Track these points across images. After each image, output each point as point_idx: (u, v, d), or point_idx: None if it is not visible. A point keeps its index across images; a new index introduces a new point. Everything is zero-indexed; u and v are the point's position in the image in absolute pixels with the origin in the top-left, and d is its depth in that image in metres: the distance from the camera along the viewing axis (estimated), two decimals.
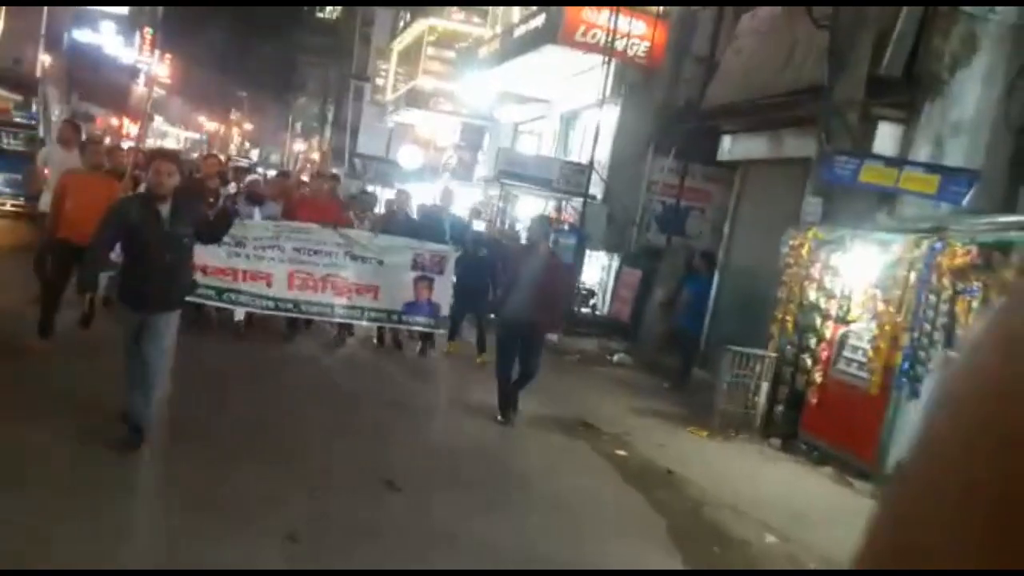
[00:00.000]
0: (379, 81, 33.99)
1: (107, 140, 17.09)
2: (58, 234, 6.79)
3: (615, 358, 11.32)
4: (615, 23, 13.46)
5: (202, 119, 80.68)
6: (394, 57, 31.35)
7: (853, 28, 7.58)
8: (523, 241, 11.04)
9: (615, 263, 14.50)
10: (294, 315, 9.04)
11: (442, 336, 9.72)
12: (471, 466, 5.96)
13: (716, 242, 11.85)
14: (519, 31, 16.39)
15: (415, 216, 10.85)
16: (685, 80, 13.28)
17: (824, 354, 7.26)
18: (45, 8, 32.23)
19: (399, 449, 6.10)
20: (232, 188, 10.77)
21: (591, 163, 13.92)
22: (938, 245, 6.22)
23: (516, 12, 18.37)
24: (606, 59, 13.61)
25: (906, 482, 0.45)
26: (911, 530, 0.43)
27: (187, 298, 7.47)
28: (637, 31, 13.91)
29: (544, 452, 6.65)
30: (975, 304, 6.11)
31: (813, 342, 7.37)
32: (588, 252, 14.12)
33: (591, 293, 14.66)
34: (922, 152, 7.52)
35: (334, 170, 22.67)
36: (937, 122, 7.54)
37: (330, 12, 65.01)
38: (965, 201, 6.69)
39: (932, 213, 7.21)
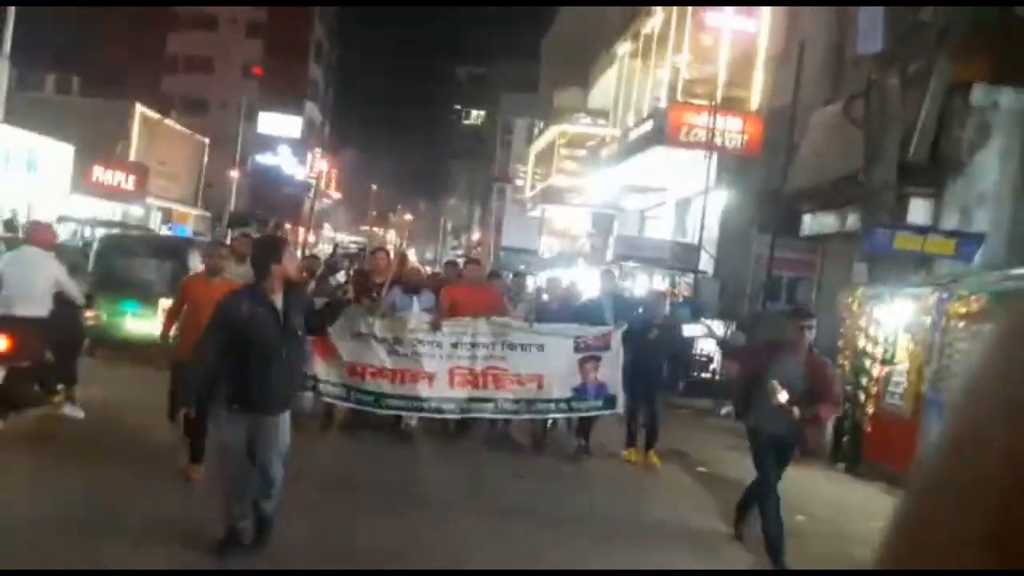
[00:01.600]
0: (518, 182, 37.27)
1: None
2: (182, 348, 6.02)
3: (722, 411, 12.96)
4: (714, 122, 15.56)
5: (364, 227, 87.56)
6: (531, 159, 34.57)
7: (884, 123, 9.34)
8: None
9: (731, 330, 16.16)
10: (458, 417, 8.44)
11: (612, 436, 8.86)
12: None
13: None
14: (633, 134, 18.77)
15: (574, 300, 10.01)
16: (778, 166, 15.10)
17: (874, 390, 8.82)
18: (239, 137, 37.74)
19: None
20: (341, 277, 10.57)
21: (700, 242, 15.84)
22: (944, 296, 7.81)
23: (632, 115, 20.81)
24: (708, 153, 15.68)
25: (920, 488, 0.47)
26: (925, 531, 0.45)
27: (354, 405, 8.12)
28: (734, 127, 15.94)
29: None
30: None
31: (865, 381, 8.93)
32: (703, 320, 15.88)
33: (710, 359, 16.32)
34: (950, 221, 9.09)
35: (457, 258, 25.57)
36: (962, 195, 9.11)
37: (476, 118, 70.52)
38: (976, 259, 8.24)
39: (961, 270, 8.73)
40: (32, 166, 19.41)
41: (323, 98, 68.12)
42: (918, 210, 9.28)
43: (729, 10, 16.04)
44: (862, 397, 8.95)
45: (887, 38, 9.09)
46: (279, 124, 56.76)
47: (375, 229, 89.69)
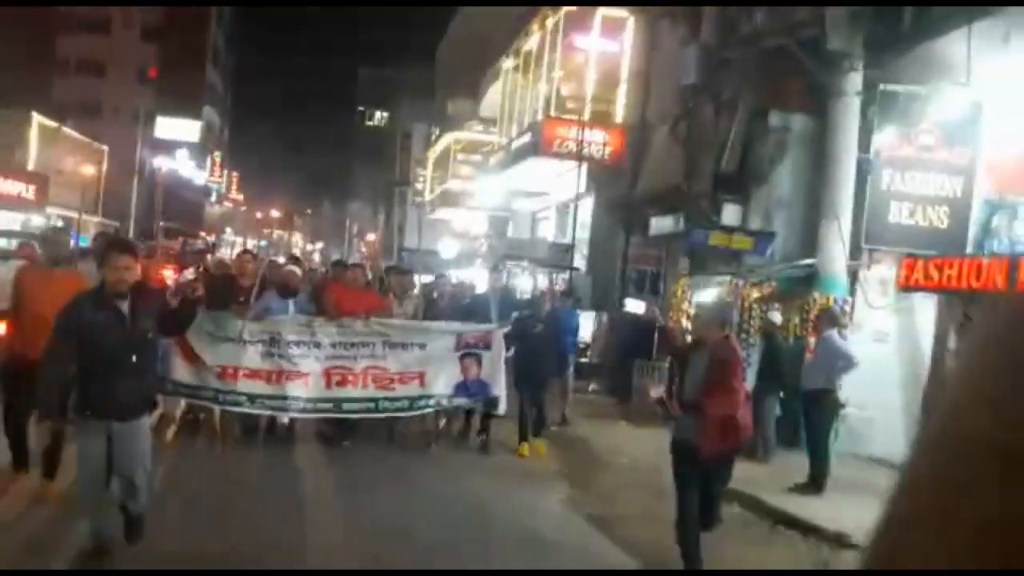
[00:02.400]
0: (418, 185, 38.70)
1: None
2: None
3: (590, 388, 14.82)
4: (581, 135, 17.44)
5: (267, 229, 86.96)
6: (430, 164, 36.07)
7: (700, 143, 11.31)
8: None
9: (603, 319, 18.12)
10: (335, 416, 8.41)
11: (504, 428, 9.09)
12: None
13: None
14: (515, 144, 20.56)
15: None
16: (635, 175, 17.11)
17: None
18: (138, 144, 37.84)
19: None
20: (190, 274, 10.41)
21: (573, 242, 17.73)
22: (740, 282, 9.78)
23: (515, 126, 22.61)
24: (579, 164, 17.56)
25: (902, 489, 0.48)
26: (908, 533, 0.46)
27: (226, 407, 7.97)
28: (600, 139, 17.86)
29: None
30: (774, 316, 9.60)
31: None
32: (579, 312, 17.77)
33: (587, 345, 18.23)
34: (755, 222, 11.12)
35: (385, 263, 26.94)
36: (764, 201, 11.15)
37: (379, 120, 71.52)
38: (770, 253, 10.27)
39: (759, 262, 10.75)
40: None
41: (222, 102, 67.75)
42: (730, 213, 11.28)
43: (595, 32, 17.95)
44: None
45: (700, 72, 11.06)
46: (177, 128, 56.22)
47: (278, 232, 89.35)
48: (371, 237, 58.19)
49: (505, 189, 24.51)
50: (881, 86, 9.62)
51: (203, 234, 50.21)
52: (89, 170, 32.24)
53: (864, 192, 9.74)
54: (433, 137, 35.97)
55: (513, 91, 23.19)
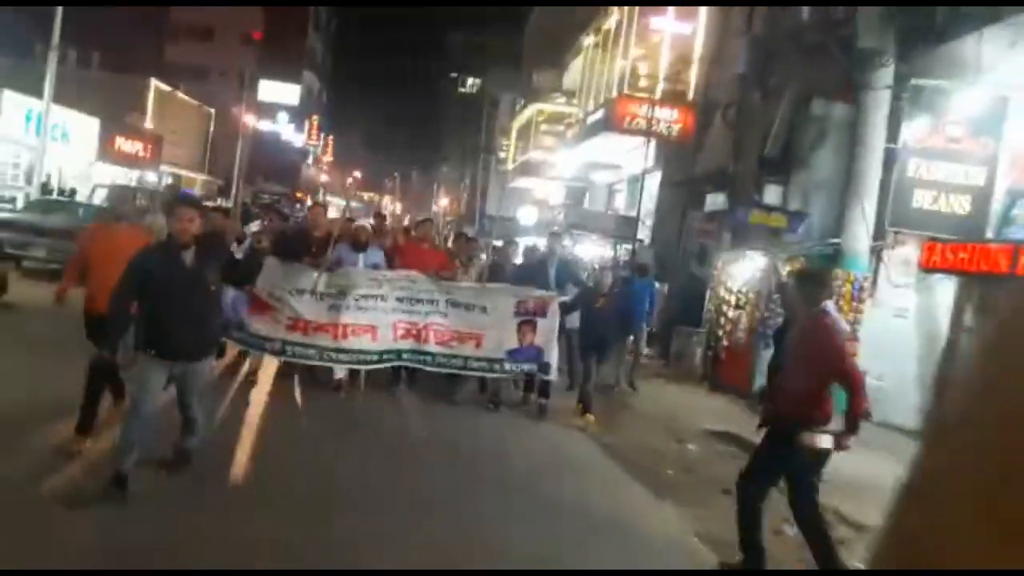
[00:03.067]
0: (501, 154, 40.04)
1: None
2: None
3: (644, 352, 15.98)
4: (651, 113, 18.39)
5: (360, 192, 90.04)
6: (513, 134, 37.33)
7: (748, 127, 12.25)
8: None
9: (664, 289, 19.19)
10: (397, 364, 8.69)
11: (562, 397, 9.36)
12: None
13: None
14: (590, 119, 21.63)
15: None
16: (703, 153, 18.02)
17: (728, 328, 11.84)
18: (243, 108, 40.35)
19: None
20: (255, 226, 10.63)
21: (638, 215, 18.79)
22: (770, 258, 10.79)
23: (592, 101, 23.63)
24: (647, 140, 18.54)
25: (910, 494, 0.49)
26: (916, 535, 0.47)
27: (292, 359, 8.19)
28: (670, 117, 18.76)
29: None
30: None
31: (723, 321, 11.96)
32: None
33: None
34: (794, 203, 12.04)
35: (467, 230, 28.49)
36: (804, 183, 12.06)
37: (471, 86, 73.00)
38: (800, 231, 11.23)
39: (794, 239, 11.68)
40: (65, 136, 22.20)
41: (321, 67, 70.43)
42: (772, 194, 12.22)
43: (670, 14, 18.80)
44: (720, 333, 11.98)
45: (750, 62, 11.98)
46: (278, 92, 58.71)
47: (370, 194, 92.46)
48: (444, 202, 60.04)
49: (581, 161, 25.61)
50: (912, 81, 10.40)
51: (299, 194, 52.83)
52: (198, 130, 34.78)
53: (891, 179, 10.57)
54: (518, 107, 37.16)
55: (592, 66, 24.18)
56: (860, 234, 10.46)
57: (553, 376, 8.95)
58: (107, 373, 5.71)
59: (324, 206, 11.17)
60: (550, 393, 9.05)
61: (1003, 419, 0.44)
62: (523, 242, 16.75)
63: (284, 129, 58.97)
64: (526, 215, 35.41)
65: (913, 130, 10.51)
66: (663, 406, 10.58)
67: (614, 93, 20.66)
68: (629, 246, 18.98)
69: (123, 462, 4.90)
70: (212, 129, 36.51)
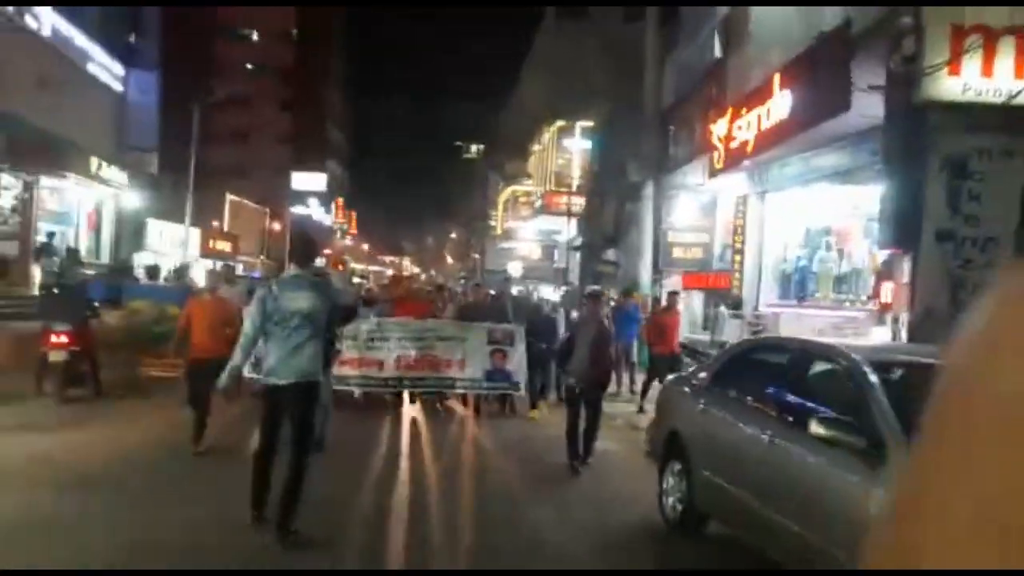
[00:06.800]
0: (491, 222, 50.43)
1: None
2: None
3: None
4: (569, 200, 28.32)
5: (382, 257, 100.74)
6: (500, 206, 47.63)
7: (596, 217, 22.07)
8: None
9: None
10: (399, 389, 11.13)
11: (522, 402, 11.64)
12: None
13: None
14: (537, 203, 31.75)
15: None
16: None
17: None
18: (287, 207, 50.96)
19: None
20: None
21: (567, 266, 28.71)
22: (602, 287, 20.61)
23: (542, 186, 33.75)
24: (568, 218, 28.46)
25: (903, 491, 0.50)
26: (908, 531, 0.47)
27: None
28: (581, 202, 28.70)
29: None
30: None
31: None
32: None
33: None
34: (620, 258, 21.88)
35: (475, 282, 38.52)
36: (625, 247, 21.90)
37: (475, 152, 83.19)
38: (618, 272, 21.13)
39: (617, 275, 21.45)
40: (183, 244, 32.63)
41: (341, 154, 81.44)
42: (611, 254, 22.02)
43: (577, 136, 28.90)
44: None
45: (589, 182, 21.89)
46: (307, 181, 68.89)
47: (391, 258, 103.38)
48: (450, 260, 70.77)
49: (538, 229, 35.70)
50: (667, 191, 20.24)
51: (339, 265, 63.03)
52: (257, 225, 45.33)
53: (661, 241, 20.37)
54: (500, 186, 47.59)
55: (540, 163, 34.38)
56: (645, 272, 20.23)
57: (522, 392, 11.53)
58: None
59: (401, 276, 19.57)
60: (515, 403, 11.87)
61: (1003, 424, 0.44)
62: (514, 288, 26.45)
63: (315, 211, 69.28)
64: (513, 268, 45.52)
65: (670, 217, 20.32)
66: None
67: (551, 186, 30.76)
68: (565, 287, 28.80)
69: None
70: (267, 224, 47.01)
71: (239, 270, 41.20)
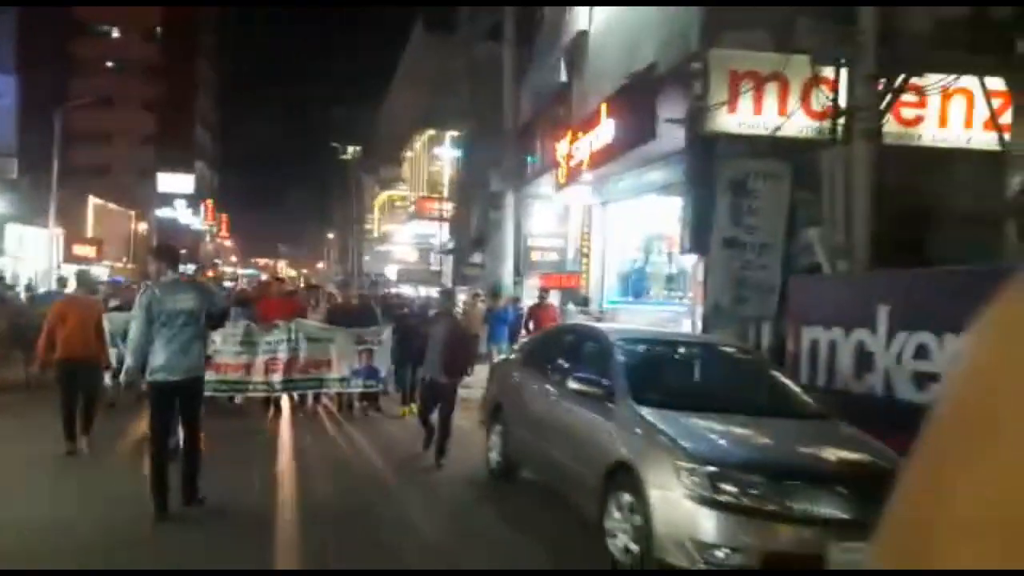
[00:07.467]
0: (367, 225, 51.17)
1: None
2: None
3: None
4: (441, 206, 29.65)
5: (255, 260, 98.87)
6: (376, 211, 48.46)
7: (464, 224, 23.52)
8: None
9: None
10: (268, 394, 11.05)
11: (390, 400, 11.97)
12: None
13: None
14: (411, 208, 32.91)
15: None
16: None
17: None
18: (152, 205, 49.93)
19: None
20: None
21: (441, 267, 30.00)
22: (468, 288, 22.01)
23: (416, 191, 34.94)
24: (440, 223, 29.78)
25: (908, 489, 0.49)
26: (917, 531, 0.47)
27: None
28: (451, 207, 30.08)
29: None
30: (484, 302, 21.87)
31: None
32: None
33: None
34: (487, 261, 23.39)
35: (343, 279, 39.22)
36: (490, 251, 23.43)
37: (351, 154, 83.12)
38: (481, 276, 22.63)
39: (481, 278, 22.95)
40: (48, 249, 31.90)
41: (210, 155, 79.53)
42: (477, 257, 23.49)
43: (447, 144, 30.23)
44: None
45: (456, 192, 23.33)
46: (174, 182, 66.95)
47: (265, 260, 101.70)
48: (321, 265, 70.79)
49: (414, 232, 36.86)
50: (525, 199, 21.87)
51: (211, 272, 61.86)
52: (123, 229, 44.33)
53: (521, 247, 21.98)
54: (376, 190, 48.42)
55: (413, 169, 35.53)
56: (508, 275, 21.79)
57: (390, 388, 11.97)
58: None
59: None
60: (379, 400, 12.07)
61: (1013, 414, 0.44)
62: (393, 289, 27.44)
63: (182, 214, 67.47)
64: (391, 271, 46.46)
65: (529, 222, 21.95)
66: None
67: (424, 191, 32.00)
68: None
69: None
70: (134, 227, 45.98)
71: (104, 275, 40.42)
